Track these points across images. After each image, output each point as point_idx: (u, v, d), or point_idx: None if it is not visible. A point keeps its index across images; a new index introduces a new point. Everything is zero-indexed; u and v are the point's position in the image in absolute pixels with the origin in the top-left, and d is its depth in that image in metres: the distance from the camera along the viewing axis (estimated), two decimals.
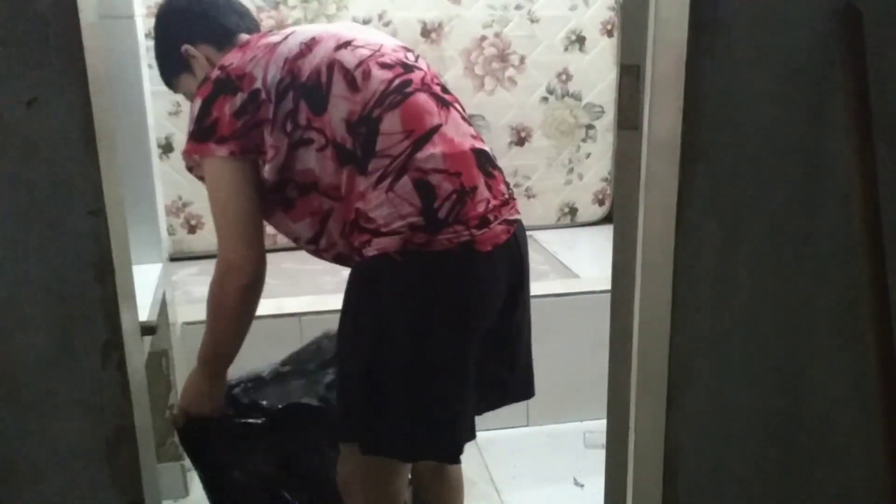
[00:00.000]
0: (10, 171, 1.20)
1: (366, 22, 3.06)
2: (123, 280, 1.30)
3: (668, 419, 1.48)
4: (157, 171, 2.21)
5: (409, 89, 1.45)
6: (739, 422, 1.52)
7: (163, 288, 2.10)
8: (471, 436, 1.51)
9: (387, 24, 3.08)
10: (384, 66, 1.47)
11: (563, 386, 2.66)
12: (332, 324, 2.50)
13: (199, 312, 2.50)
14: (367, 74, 1.44)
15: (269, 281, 2.94)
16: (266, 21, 2.97)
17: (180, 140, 2.98)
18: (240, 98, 1.45)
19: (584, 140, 3.40)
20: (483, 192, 1.45)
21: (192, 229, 3.10)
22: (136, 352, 1.38)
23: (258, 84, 1.45)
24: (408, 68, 1.49)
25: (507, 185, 1.57)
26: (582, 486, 2.38)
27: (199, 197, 3.06)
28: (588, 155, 3.42)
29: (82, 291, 1.26)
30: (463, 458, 1.54)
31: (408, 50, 1.58)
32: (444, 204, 1.40)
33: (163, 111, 2.89)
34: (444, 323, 1.42)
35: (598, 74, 3.33)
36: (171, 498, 2.32)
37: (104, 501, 1.35)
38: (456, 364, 1.44)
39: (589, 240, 3.33)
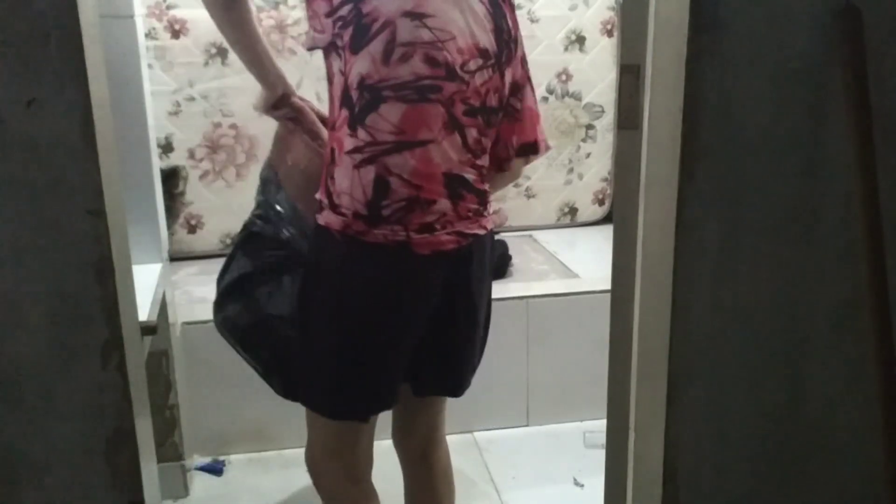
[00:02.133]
0: (10, 171, 1.20)
1: None
2: (123, 280, 1.30)
3: (668, 419, 1.48)
4: (158, 171, 2.21)
5: (431, 95, 1.44)
6: (739, 422, 1.52)
7: (163, 288, 2.10)
8: (379, 406, 1.60)
9: None
10: (429, 60, 1.43)
11: (563, 386, 2.66)
12: None
13: (199, 312, 2.51)
14: (406, 57, 1.42)
15: None
16: (266, 21, 2.97)
17: (180, 140, 2.98)
18: None
19: (584, 140, 3.40)
20: (441, 206, 1.48)
21: (192, 229, 3.10)
22: (136, 352, 1.38)
23: None
24: (451, 76, 1.45)
25: (484, 204, 1.58)
26: (582, 486, 2.38)
27: (199, 197, 3.06)
28: (588, 155, 3.42)
29: (82, 291, 1.26)
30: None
31: (483, 56, 1.50)
32: (392, 205, 1.45)
33: (163, 111, 2.90)
34: (364, 306, 1.50)
35: (598, 74, 3.33)
36: (171, 498, 2.32)
37: (104, 501, 1.35)
38: (366, 343, 1.52)
39: (589, 240, 3.33)
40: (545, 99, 3.29)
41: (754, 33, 1.34)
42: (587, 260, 3.03)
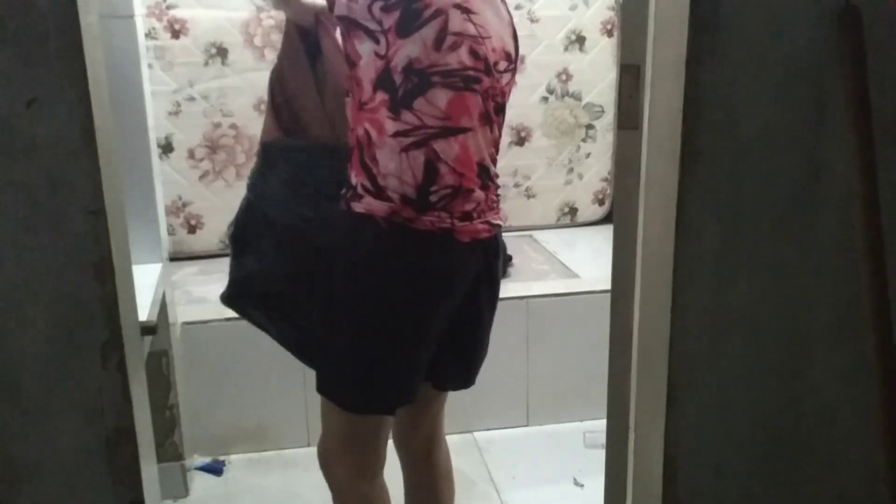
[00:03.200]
0: (10, 171, 1.20)
1: None
2: (123, 280, 1.30)
3: (668, 419, 1.48)
4: (157, 171, 2.21)
5: (474, 86, 1.48)
6: (739, 422, 1.52)
7: (163, 288, 2.10)
8: (407, 399, 1.59)
9: None
10: (473, 53, 1.47)
11: (563, 386, 2.66)
12: None
13: (199, 312, 2.51)
14: (455, 46, 1.45)
15: None
16: (266, 20, 2.97)
17: (180, 140, 2.98)
18: None
19: (584, 140, 3.40)
20: (477, 196, 1.52)
21: (192, 229, 3.10)
22: (136, 352, 1.38)
23: None
24: (488, 71, 1.50)
25: (498, 195, 1.62)
26: (582, 486, 2.38)
27: (199, 197, 3.06)
28: (588, 155, 3.42)
29: (82, 291, 1.26)
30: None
31: (508, 60, 1.55)
32: (439, 191, 1.46)
33: (163, 111, 2.90)
34: (410, 295, 1.50)
35: (598, 74, 3.33)
36: (171, 498, 2.32)
37: (104, 501, 1.35)
38: (409, 334, 1.52)
39: (589, 240, 3.33)
40: (545, 99, 3.29)
41: (754, 33, 1.34)
42: (587, 260, 3.02)
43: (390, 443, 1.80)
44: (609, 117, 3.37)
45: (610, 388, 1.54)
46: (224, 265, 3.10)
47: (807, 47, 1.36)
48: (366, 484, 1.65)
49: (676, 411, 1.48)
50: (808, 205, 1.43)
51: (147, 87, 2.14)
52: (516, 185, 3.35)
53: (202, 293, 2.80)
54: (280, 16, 2.98)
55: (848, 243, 1.44)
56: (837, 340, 1.50)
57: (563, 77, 3.29)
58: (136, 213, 1.98)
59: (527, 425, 2.68)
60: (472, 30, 1.46)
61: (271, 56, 2.99)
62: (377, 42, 1.44)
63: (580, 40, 3.28)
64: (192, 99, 2.95)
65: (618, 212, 1.46)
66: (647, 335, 1.44)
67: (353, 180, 1.50)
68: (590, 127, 3.39)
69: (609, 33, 3.30)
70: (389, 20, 1.42)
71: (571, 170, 3.41)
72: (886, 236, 1.34)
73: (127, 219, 1.35)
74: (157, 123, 2.56)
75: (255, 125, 3.04)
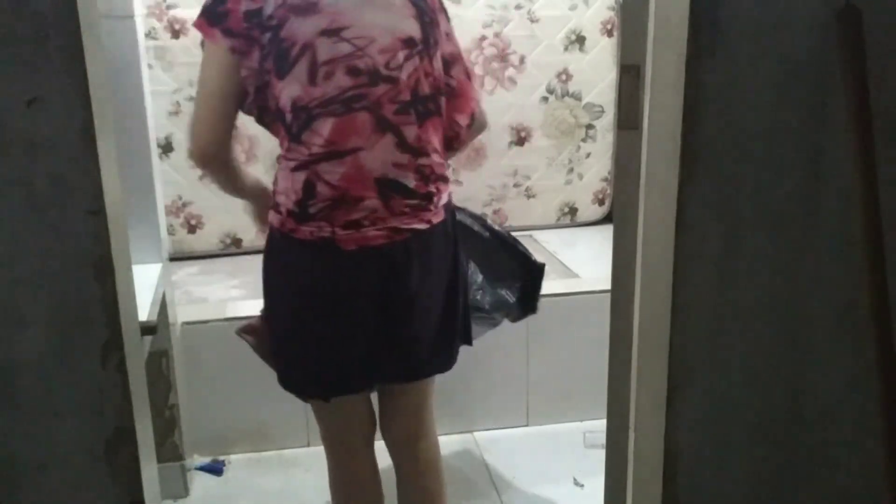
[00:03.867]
0: (10, 171, 1.20)
1: None
2: (123, 280, 1.30)
3: (668, 419, 1.48)
4: (157, 171, 2.21)
5: (357, 104, 1.51)
6: (739, 422, 1.52)
7: (163, 288, 2.10)
8: (332, 390, 1.68)
9: None
10: (352, 71, 1.50)
11: (563, 386, 2.66)
12: None
13: (199, 312, 2.51)
14: (329, 76, 1.50)
15: None
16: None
17: (180, 140, 2.98)
18: (252, 4, 1.52)
19: (584, 140, 3.39)
20: (370, 204, 1.54)
21: (192, 229, 3.10)
22: (136, 352, 1.38)
23: (264, 4, 1.51)
24: (374, 79, 1.51)
25: (428, 198, 1.59)
26: (582, 486, 2.38)
27: (199, 197, 3.06)
28: (588, 155, 3.42)
29: (82, 291, 1.26)
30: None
31: (406, 47, 1.53)
32: (318, 204, 1.53)
33: (163, 111, 2.89)
34: (297, 298, 1.61)
35: (598, 74, 3.33)
36: (171, 498, 2.32)
37: (104, 501, 1.35)
38: (304, 331, 1.62)
39: (589, 240, 3.32)
40: (545, 99, 3.29)
41: (754, 33, 1.34)
42: (587, 260, 3.02)
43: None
44: (609, 117, 3.37)
45: (610, 388, 1.54)
46: (224, 265, 3.10)
47: (807, 47, 1.36)
48: (340, 458, 1.78)
49: (676, 411, 1.48)
50: (808, 205, 1.43)
51: (147, 87, 2.14)
52: (516, 185, 3.35)
53: (202, 293, 2.80)
54: None
55: (848, 243, 1.44)
56: (837, 340, 1.50)
57: (563, 77, 3.29)
58: (136, 213, 1.98)
59: (527, 425, 2.68)
60: (346, 49, 1.50)
61: None
62: (269, 87, 1.54)
63: (580, 40, 3.28)
64: (192, 99, 2.94)
65: (618, 212, 1.46)
66: (647, 335, 1.44)
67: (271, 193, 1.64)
68: (590, 127, 3.38)
69: (609, 33, 3.30)
70: (268, 64, 1.52)
71: (571, 170, 3.41)
72: (886, 236, 1.34)
73: (127, 219, 1.35)
74: (157, 123, 2.56)
75: (255, 125, 3.04)
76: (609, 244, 1.49)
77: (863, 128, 1.33)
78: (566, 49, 3.27)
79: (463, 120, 1.68)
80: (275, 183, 1.61)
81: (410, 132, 1.54)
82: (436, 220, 1.60)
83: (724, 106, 1.36)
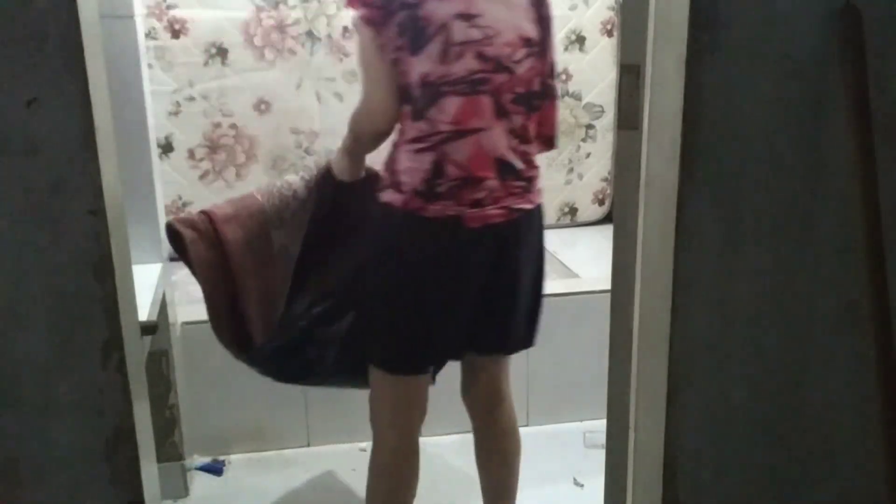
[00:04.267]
0: (10, 171, 1.20)
1: None
2: (123, 280, 1.30)
3: (668, 419, 1.48)
4: (157, 171, 2.21)
5: (481, 87, 1.60)
6: (739, 422, 1.52)
7: (163, 288, 2.10)
8: (434, 363, 1.78)
9: None
10: (480, 56, 1.59)
11: (563, 386, 2.66)
12: None
13: (200, 312, 2.50)
14: (459, 56, 1.59)
15: None
16: (266, 21, 2.97)
17: (180, 140, 2.98)
18: None
19: (584, 140, 3.40)
20: (490, 185, 1.63)
21: None
22: (136, 352, 1.38)
23: None
24: (499, 68, 1.61)
25: (531, 182, 1.71)
26: (582, 486, 2.38)
27: (199, 197, 3.06)
28: (588, 155, 3.42)
29: (82, 291, 1.26)
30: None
31: (527, 45, 1.64)
32: (446, 184, 1.61)
33: (163, 111, 2.89)
34: (423, 274, 1.67)
35: (598, 74, 3.33)
36: (171, 498, 2.32)
37: (104, 501, 1.35)
38: (426, 308, 1.69)
39: (589, 240, 3.32)
40: None
41: (754, 33, 1.34)
42: (587, 260, 3.02)
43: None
44: (609, 117, 3.37)
45: (610, 388, 1.54)
46: None
47: (807, 47, 1.36)
48: (399, 438, 1.83)
49: (676, 411, 1.48)
50: (808, 205, 1.43)
51: (147, 87, 2.14)
52: None
53: (202, 293, 2.79)
54: (280, 15, 2.99)
55: (848, 243, 1.44)
56: (837, 340, 1.50)
57: (563, 77, 3.29)
58: (136, 213, 1.98)
59: (527, 425, 2.68)
60: (476, 35, 1.58)
61: (271, 56, 2.99)
62: (398, 63, 1.61)
63: (580, 40, 3.28)
64: (192, 99, 2.95)
65: (618, 212, 1.46)
66: (647, 335, 1.44)
67: (382, 175, 1.70)
68: (590, 127, 3.39)
69: (609, 33, 3.31)
70: (402, 41, 1.59)
71: (571, 170, 3.41)
72: (886, 236, 1.34)
73: (127, 219, 1.35)
74: (157, 123, 2.56)
75: (254, 125, 3.05)
76: (609, 244, 1.49)
77: (863, 128, 1.33)
78: (566, 49, 3.27)
79: (555, 119, 1.79)
80: (392, 163, 1.66)
81: (519, 121, 1.66)
82: (536, 201, 1.74)
83: (724, 106, 1.36)
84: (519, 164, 1.67)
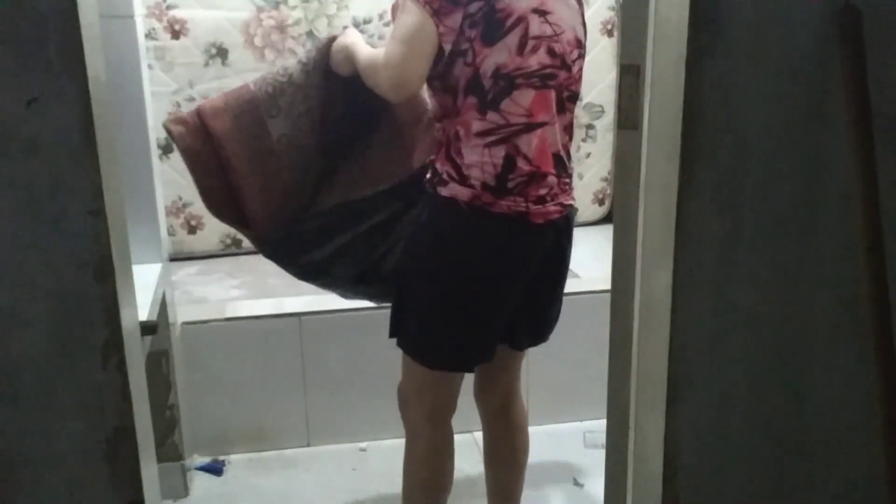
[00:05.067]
0: (10, 171, 1.20)
1: (366, 22, 3.06)
2: (123, 280, 1.30)
3: (668, 419, 1.48)
4: (157, 171, 2.21)
5: (550, 82, 1.65)
6: (739, 421, 1.52)
7: (163, 288, 2.10)
8: (481, 359, 1.77)
9: (387, 24, 3.08)
10: (551, 51, 1.63)
11: (563, 386, 2.66)
12: (331, 324, 2.50)
13: (199, 312, 2.51)
14: (535, 49, 1.62)
15: (269, 281, 2.95)
16: (266, 21, 2.97)
17: None
18: None
19: (584, 140, 3.40)
20: (550, 181, 1.69)
21: (192, 229, 3.10)
22: (136, 352, 1.38)
23: None
24: (563, 65, 1.66)
25: (571, 178, 1.78)
26: (582, 486, 2.38)
27: (198, 197, 3.05)
28: (588, 155, 3.42)
29: (82, 291, 1.26)
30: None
31: (579, 46, 1.70)
32: (516, 179, 1.64)
33: (163, 111, 2.89)
34: (487, 271, 1.67)
35: (598, 74, 3.33)
36: (171, 498, 2.32)
37: (104, 501, 1.35)
38: (484, 304, 1.69)
39: (589, 240, 3.32)
40: None
41: (754, 33, 1.34)
42: (587, 260, 3.02)
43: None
44: (609, 117, 3.37)
45: (610, 388, 1.54)
46: (224, 265, 3.10)
47: (807, 47, 1.36)
48: (435, 428, 1.82)
49: (676, 411, 1.48)
50: (808, 205, 1.43)
51: (147, 87, 2.14)
52: None
53: (202, 293, 2.80)
54: (280, 15, 2.99)
55: (848, 243, 1.44)
56: (837, 340, 1.50)
57: None
58: (136, 213, 1.98)
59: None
60: (548, 30, 1.63)
61: (271, 56, 2.99)
62: (464, 54, 1.59)
63: None
64: (192, 99, 2.95)
65: (618, 212, 1.46)
66: (647, 335, 1.44)
67: (440, 169, 1.67)
68: (590, 127, 3.38)
69: (609, 33, 3.30)
70: (473, 32, 1.58)
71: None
72: (886, 236, 1.34)
73: (127, 219, 1.35)
74: (157, 123, 2.56)
75: None
76: (609, 244, 1.49)
77: (863, 128, 1.33)
78: None
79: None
80: (454, 156, 1.64)
81: (569, 118, 1.73)
82: (575, 197, 1.80)
83: (724, 106, 1.36)
84: (567, 161, 1.74)
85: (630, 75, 1.37)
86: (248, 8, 2.96)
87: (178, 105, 2.95)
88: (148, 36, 2.81)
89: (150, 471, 1.42)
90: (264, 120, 1.77)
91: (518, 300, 1.74)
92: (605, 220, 3.47)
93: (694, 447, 1.51)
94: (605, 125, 3.39)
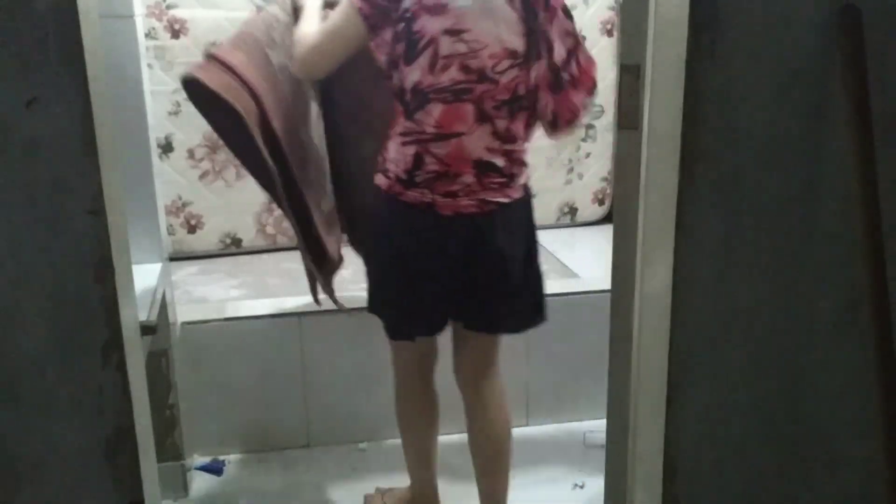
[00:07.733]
0: (10, 171, 1.20)
1: None
2: (123, 280, 1.30)
3: (668, 419, 1.48)
4: (158, 171, 2.21)
5: (464, 96, 1.76)
6: (739, 421, 1.52)
7: (163, 288, 2.10)
8: (422, 331, 1.97)
9: None
10: (464, 68, 1.74)
11: (563, 386, 2.66)
12: (331, 324, 2.50)
13: (199, 312, 2.51)
14: (445, 68, 1.74)
15: (270, 280, 2.95)
16: None
17: (180, 140, 2.98)
18: None
19: (584, 140, 3.39)
20: (466, 180, 1.80)
21: (191, 229, 3.10)
22: (136, 352, 1.38)
23: None
24: (482, 78, 1.75)
25: (512, 178, 1.85)
26: (582, 486, 2.38)
27: (198, 197, 3.06)
28: (588, 155, 3.41)
29: (82, 291, 1.26)
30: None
31: (511, 57, 1.76)
32: (423, 175, 1.79)
33: (163, 111, 2.89)
34: (398, 250, 1.88)
35: (598, 74, 3.32)
36: (171, 498, 2.32)
37: (104, 501, 1.35)
38: (404, 279, 1.89)
39: (589, 240, 3.32)
40: None
41: (754, 33, 1.34)
42: (587, 260, 3.02)
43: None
44: (609, 117, 3.37)
45: (610, 388, 1.54)
46: (224, 265, 3.10)
47: (807, 47, 1.36)
48: (411, 382, 2.05)
49: (676, 411, 1.48)
50: (808, 205, 1.43)
51: (147, 87, 2.14)
52: None
53: (202, 293, 2.80)
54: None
55: (848, 243, 1.44)
56: (837, 340, 1.51)
57: None
58: (136, 213, 1.98)
59: (527, 425, 2.68)
60: (462, 48, 1.73)
61: (271, 56, 2.98)
62: (396, 67, 1.78)
63: None
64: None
65: (618, 212, 1.46)
66: (647, 335, 1.44)
67: (379, 158, 1.88)
68: (590, 127, 3.38)
69: (609, 33, 3.30)
70: (399, 49, 1.75)
71: (571, 170, 3.41)
72: (886, 236, 1.34)
73: (127, 219, 1.35)
74: (157, 123, 2.56)
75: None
76: (609, 244, 1.49)
77: (863, 128, 1.33)
78: None
79: (578, 98, 1.86)
80: (384, 151, 1.86)
81: (502, 124, 1.80)
82: (516, 195, 1.87)
83: (724, 106, 1.36)
84: (500, 163, 1.81)
85: (630, 75, 1.37)
86: (247, 8, 2.96)
87: (178, 104, 2.94)
88: (148, 35, 2.80)
89: (150, 470, 1.42)
90: (265, 51, 2.03)
91: (450, 283, 1.87)
92: (605, 220, 3.47)
93: (694, 447, 1.51)
94: (605, 125, 3.38)
